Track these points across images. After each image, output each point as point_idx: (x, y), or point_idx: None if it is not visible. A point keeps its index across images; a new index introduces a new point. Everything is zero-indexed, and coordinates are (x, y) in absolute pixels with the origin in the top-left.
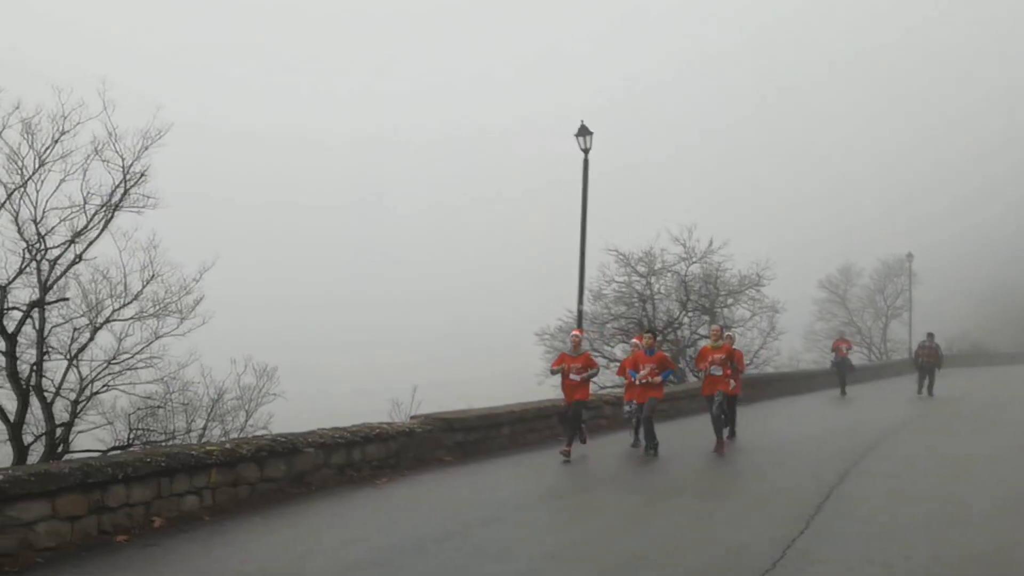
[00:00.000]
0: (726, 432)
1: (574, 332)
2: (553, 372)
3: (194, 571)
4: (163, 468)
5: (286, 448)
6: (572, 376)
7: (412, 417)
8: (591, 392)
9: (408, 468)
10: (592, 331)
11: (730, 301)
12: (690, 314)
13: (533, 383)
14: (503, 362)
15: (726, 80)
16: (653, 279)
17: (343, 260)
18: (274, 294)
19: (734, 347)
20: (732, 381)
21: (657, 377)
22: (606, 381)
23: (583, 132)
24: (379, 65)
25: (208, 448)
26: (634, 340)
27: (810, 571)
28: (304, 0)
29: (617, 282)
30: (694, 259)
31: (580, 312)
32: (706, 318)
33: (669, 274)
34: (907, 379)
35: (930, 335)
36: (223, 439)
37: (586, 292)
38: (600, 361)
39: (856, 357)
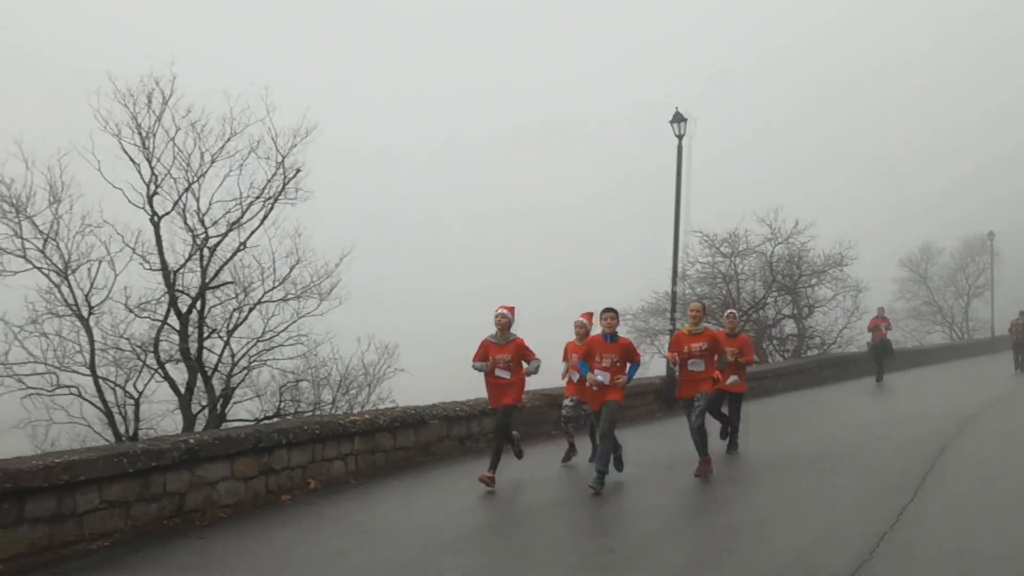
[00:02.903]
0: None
1: (499, 309)
2: (476, 368)
3: (356, 528)
4: (317, 435)
5: (415, 420)
6: (499, 372)
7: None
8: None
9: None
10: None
11: (813, 281)
12: (774, 294)
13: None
14: None
15: (811, 64)
16: (737, 260)
17: (454, 258)
18: (395, 293)
19: (736, 332)
20: (735, 376)
21: (621, 377)
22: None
23: (677, 119)
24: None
25: (352, 419)
26: (580, 319)
27: (927, 533)
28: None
29: (701, 263)
30: (779, 240)
31: (674, 294)
32: (789, 298)
33: (754, 255)
34: (991, 358)
35: (1022, 312)
36: (363, 411)
37: (669, 273)
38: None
39: (938, 337)
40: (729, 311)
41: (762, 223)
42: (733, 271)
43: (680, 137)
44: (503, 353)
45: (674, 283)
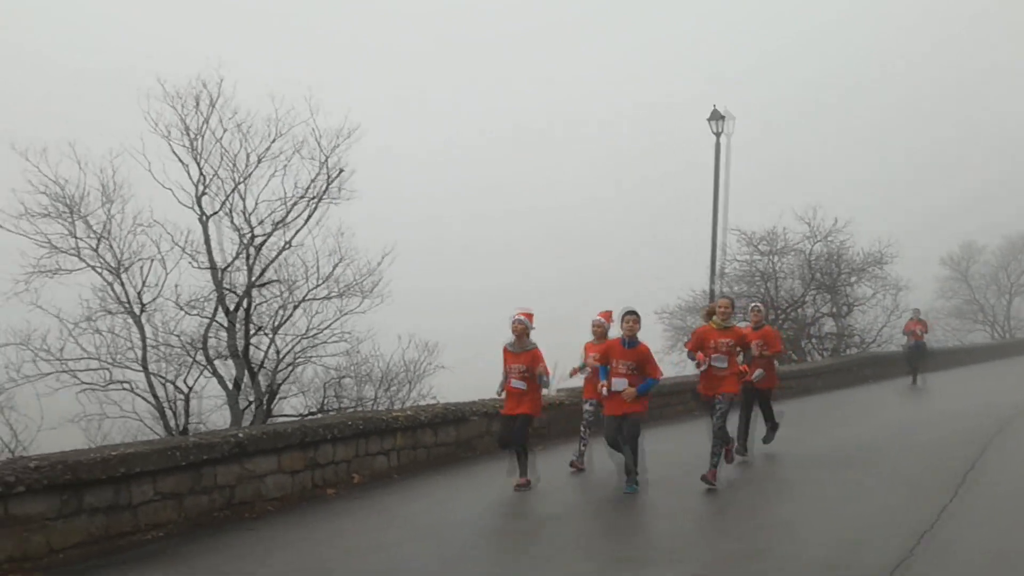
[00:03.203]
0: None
1: (516, 315)
2: (500, 394)
3: (400, 522)
4: (361, 431)
5: (456, 416)
6: (515, 382)
7: (558, 391)
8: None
9: (557, 437)
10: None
11: (853, 279)
12: (813, 292)
13: (656, 360)
14: None
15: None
16: (776, 258)
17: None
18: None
19: (761, 325)
20: (760, 371)
21: (629, 389)
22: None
23: (715, 116)
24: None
25: (394, 415)
26: (597, 317)
27: (968, 532)
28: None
29: (739, 261)
30: (819, 238)
31: (712, 292)
32: (828, 296)
33: (792, 253)
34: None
35: None
36: (405, 407)
37: (707, 271)
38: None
39: (979, 335)
40: (753, 304)
41: (801, 221)
42: (772, 269)
43: (718, 135)
44: (518, 362)
45: (712, 280)
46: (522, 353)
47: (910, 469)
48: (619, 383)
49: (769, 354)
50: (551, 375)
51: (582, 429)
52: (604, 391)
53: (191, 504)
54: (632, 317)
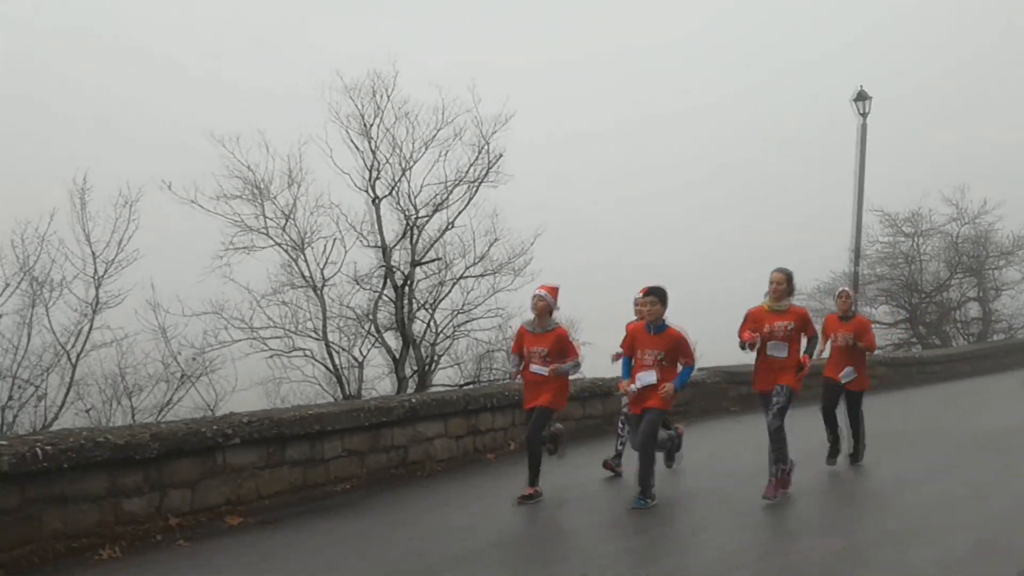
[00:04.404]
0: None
1: (538, 291)
2: (514, 365)
3: (561, 488)
4: (516, 401)
5: (602, 390)
6: (534, 367)
7: (699, 369)
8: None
9: (696, 415)
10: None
11: (1001, 263)
12: (958, 276)
13: None
14: None
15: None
16: (920, 240)
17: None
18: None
19: (852, 314)
20: (850, 368)
21: (667, 385)
22: None
23: (861, 97)
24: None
25: None
26: (638, 294)
27: None
28: None
29: (881, 242)
30: (966, 220)
31: (856, 275)
32: (974, 280)
33: (937, 235)
34: None
35: None
36: None
37: (849, 252)
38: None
39: None
40: (842, 288)
41: (947, 202)
42: (915, 251)
43: (864, 115)
44: (540, 345)
45: (856, 263)
46: (544, 334)
47: None
48: (647, 376)
49: (863, 346)
50: (579, 357)
51: (619, 426)
52: (632, 388)
53: (372, 461)
54: (651, 298)
